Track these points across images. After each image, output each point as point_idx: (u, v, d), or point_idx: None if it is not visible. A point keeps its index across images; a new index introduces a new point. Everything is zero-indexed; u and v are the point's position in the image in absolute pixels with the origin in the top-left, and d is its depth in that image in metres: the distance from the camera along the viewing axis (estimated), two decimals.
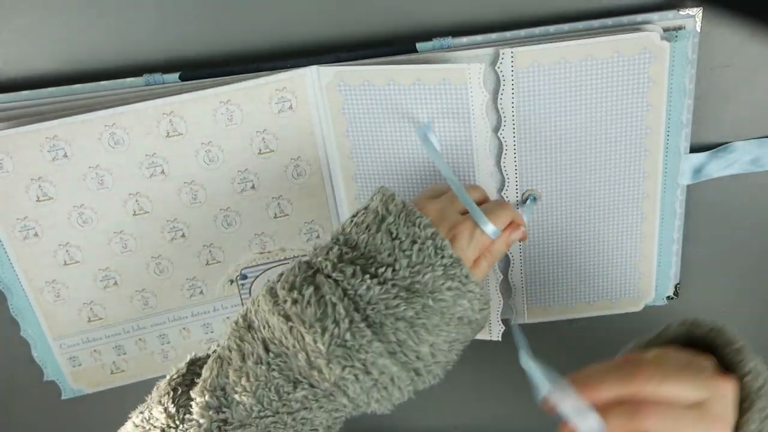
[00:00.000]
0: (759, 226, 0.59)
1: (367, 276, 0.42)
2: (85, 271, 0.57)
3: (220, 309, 0.61)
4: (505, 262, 0.59)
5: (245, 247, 0.59)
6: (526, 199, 0.56)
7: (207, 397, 0.44)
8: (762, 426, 0.40)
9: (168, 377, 0.49)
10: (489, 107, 0.52)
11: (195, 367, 0.49)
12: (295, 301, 0.42)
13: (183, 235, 0.57)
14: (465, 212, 0.47)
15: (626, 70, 0.51)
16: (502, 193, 0.56)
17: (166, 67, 0.53)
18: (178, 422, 0.45)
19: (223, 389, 0.44)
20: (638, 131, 0.53)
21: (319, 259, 0.44)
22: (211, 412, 0.44)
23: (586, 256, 0.59)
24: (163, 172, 0.54)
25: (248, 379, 0.43)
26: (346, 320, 0.41)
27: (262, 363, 0.43)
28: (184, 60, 0.53)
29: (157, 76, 0.52)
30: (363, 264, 0.43)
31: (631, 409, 0.39)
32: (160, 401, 0.47)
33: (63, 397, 0.63)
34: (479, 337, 0.62)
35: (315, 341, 0.41)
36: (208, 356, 0.50)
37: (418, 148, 0.54)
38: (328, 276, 0.43)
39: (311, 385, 0.44)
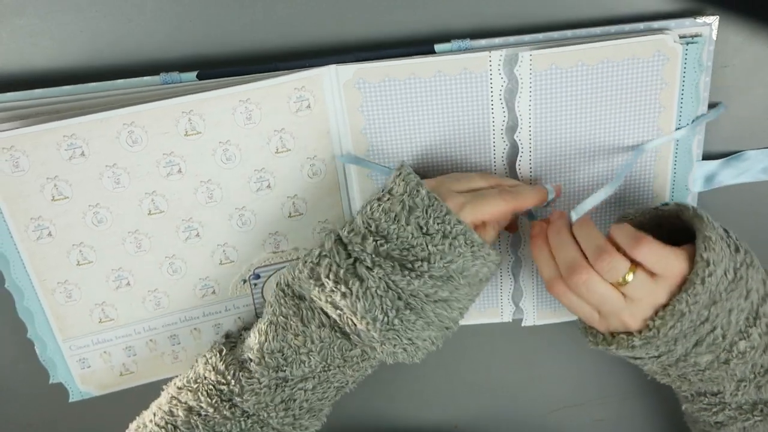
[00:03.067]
0: None
1: (406, 271, 0.46)
2: (97, 272, 0.56)
3: (231, 309, 0.61)
4: (516, 264, 0.60)
5: (259, 247, 0.58)
6: None
7: (267, 359, 0.50)
8: (689, 308, 0.45)
9: (210, 346, 0.55)
10: (507, 104, 0.53)
11: (231, 339, 0.57)
12: (344, 295, 0.46)
13: (197, 235, 0.57)
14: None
15: (641, 72, 0.52)
16: None
17: (182, 66, 0.53)
18: (229, 378, 0.51)
19: (281, 351, 0.50)
20: (650, 133, 0.54)
21: (356, 248, 0.47)
22: (270, 372, 0.50)
23: None
24: (180, 171, 0.54)
25: (313, 341, 0.49)
26: (394, 310, 0.47)
27: (324, 326, 0.49)
28: (201, 59, 0.53)
29: (174, 75, 0.52)
30: (399, 258, 0.47)
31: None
32: (207, 362, 0.53)
33: (71, 400, 0.62)
34: (490, 320, 0.62)
35: (368, 329, 0.47)
36: (241, 330, 0.57)
37: (435, 145, 0.55)
38: (370, 269, 0.46)
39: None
